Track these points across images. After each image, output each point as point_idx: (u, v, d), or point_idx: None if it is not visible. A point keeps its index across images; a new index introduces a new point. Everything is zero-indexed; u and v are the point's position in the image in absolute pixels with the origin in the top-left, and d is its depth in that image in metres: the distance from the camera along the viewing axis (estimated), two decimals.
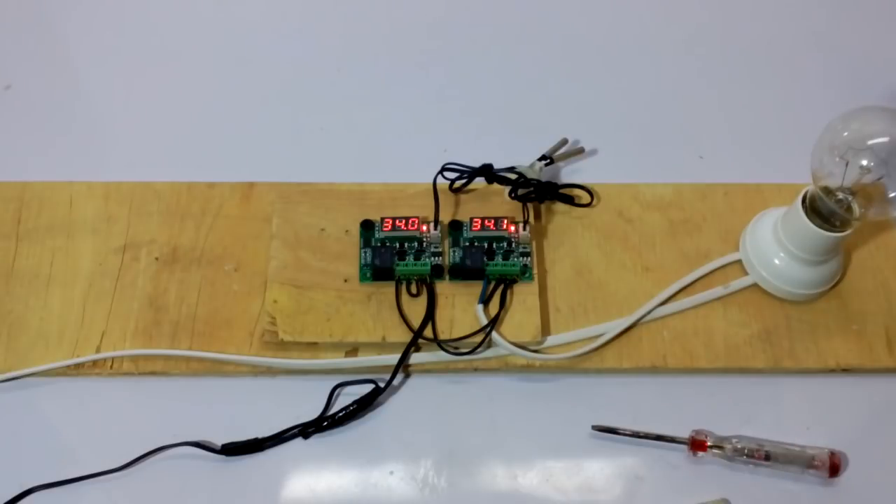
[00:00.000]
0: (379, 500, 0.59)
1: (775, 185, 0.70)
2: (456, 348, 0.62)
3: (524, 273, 0.64)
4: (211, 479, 0.59)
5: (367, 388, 0.61)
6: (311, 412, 0.61)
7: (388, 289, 0.64)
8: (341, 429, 0.61)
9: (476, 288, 0.63)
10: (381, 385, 0.61)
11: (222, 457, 0.59)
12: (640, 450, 0.61)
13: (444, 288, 0.64)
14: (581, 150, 0.73)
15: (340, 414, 0.60)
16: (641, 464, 0.61)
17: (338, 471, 0.60)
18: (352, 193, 0.68)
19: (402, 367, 0.62)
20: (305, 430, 0.60)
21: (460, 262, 0.64)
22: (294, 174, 0.70)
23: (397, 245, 0.64)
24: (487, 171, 0.68)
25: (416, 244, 0.64)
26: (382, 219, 0.65)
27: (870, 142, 0.60)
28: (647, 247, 0.68)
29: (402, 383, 0.63)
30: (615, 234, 0.68)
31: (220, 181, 0.69)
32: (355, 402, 0.61)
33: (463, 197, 0.68)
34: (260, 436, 0.60)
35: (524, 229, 0.65)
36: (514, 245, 0.65)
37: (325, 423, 0.60)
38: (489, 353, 0.63)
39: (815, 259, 0.63)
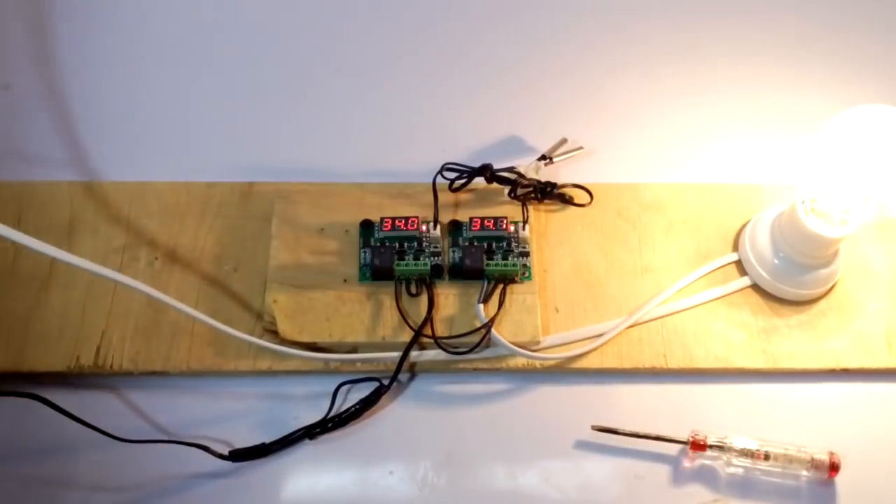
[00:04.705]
0: (378, 500, 0.59)
1: (775, 186, 0.70)
2: (455, 347, 0.62)
3: (523, 273, 0.64)
4: (215, 481, 0.59)
5: (367, 387, 0.61)
6: (311, 412, 0.61)
7: (388, 289, 0.63)
8: (340, 429, 0.61)
9: (475, 288, 0.63)
10: (385, 383, 0.61)
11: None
12: (640, 450, 0.61)
13: (443, 288, 0.64)
14: (580, 150, 0.73)
15: (349, 411, 0.60)
16: (641, 464, 0.61)
17: (337, 471, 0.60)
18: (351, 193, 0.68)
19: (402, 366, 0.62)
20: (311, 432, 0.60)
21: (460, 261, 0.64)
22: (294, 174, 0.70)
23: (397, 245, 0.64)
24: (487, 171, 0.68)
25: (415, 244, 0.64)
26: (382, 219, 0.65)
27: (869, 142, 0.60)
28: (646, 247, 0.68)
29: (401, 383, 0.63)
30: (615, 234, 0.68)
31: (220, 181, 0.69)
32: (360, 401, 0.61)
33: (462, 197, 0.68)
34: (259, 436, 0.60)
35: (523, 229, 0.65)
36: (513, 245, 0.65)
37: (331, 424, 0.60)
38: (489, 353, 0.63)
39: (814, 259, 0.63)
